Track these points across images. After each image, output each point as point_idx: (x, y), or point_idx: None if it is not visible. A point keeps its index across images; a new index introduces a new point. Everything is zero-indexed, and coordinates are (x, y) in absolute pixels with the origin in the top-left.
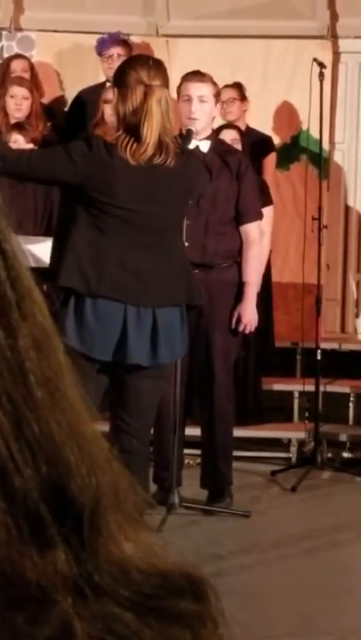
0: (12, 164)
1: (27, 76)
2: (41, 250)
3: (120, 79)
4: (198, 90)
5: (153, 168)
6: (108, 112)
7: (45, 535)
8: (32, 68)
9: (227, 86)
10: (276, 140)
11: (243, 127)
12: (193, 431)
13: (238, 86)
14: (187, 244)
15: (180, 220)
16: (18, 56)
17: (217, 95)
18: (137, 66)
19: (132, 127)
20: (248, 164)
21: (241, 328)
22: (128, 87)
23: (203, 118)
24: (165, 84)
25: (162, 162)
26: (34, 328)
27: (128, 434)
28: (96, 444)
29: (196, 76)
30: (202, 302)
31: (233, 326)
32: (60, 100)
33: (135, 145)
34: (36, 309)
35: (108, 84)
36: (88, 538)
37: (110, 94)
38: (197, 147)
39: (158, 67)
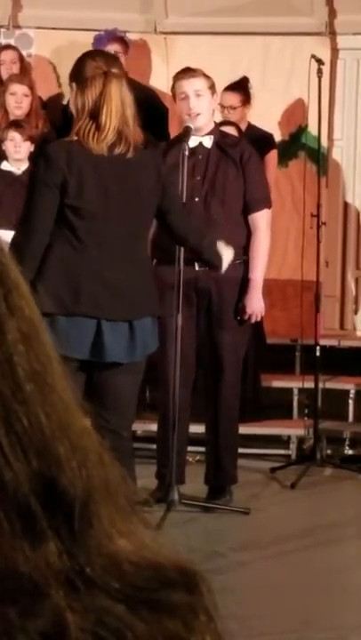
0: (18, 243)
1: (16, 67)
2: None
3: (78, 72)
4: (193, 85)
5: (116, 160)
6: None
7: (37, 528)
8: (21, 59)
9: (229, 90)
10: (275, 137)
11: (244, 125)
12: (195, 428)
13: (242, 88)
14: None
15: (146, 225)
16: (7, 47)
17: (212, 87)
18: (94, 56)
19: (91, 115)
20: (251, 152)
21: (246, 317)
22: (87, 78)
23: (204, 112)
24: (123, 77)
25: (123, 152)
26: (22, 322)
27: (109, 431)
28: (86, 437)
29: (187, 72)
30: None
31: (240, 317)
32: (58, 96)
33: (96, 132)
34: (24, 303)
35: None
36: (79, 531)
37: None
38: (201, 143)
39: (115, 59)
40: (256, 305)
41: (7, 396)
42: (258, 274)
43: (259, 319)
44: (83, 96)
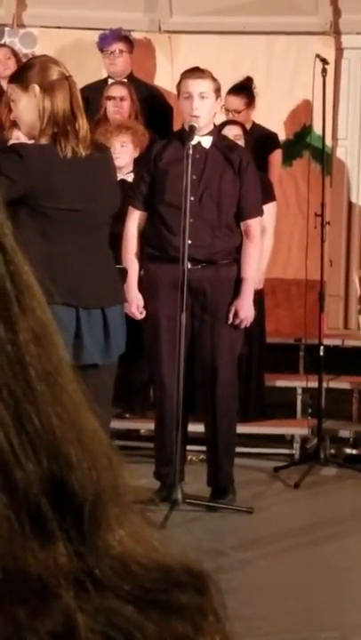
0: None
1: (12, 62)
2: None
3: (42, 76)
4: (198, 86)
5: (86, 160)
6: (111, 109)
7: (46, 529)
8: (15, 54)
9: (233, 93)
10: (279, 137)
11: (248, 125)
12: (195, 427)
13: (246, 90)
14: (190, 241)
15: (110, 214)
16: None
17: (217, 91)
18: (51, 61)
19: (65, 120)
20: (249, 160)
21: (237, 322)
22: (53, 81)
23: (205, 115)
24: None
25: (90, 154)
26: (33, 322)
27: None
28: (96, 438)
29: (195, 72)
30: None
31: (230, 321)
32: None
33: (75, 135)
34: (36, 304)
35: (110, 81)
36: (88, 532)
37: (116, 91)
38: (199, 142)
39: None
40: (248, 311)
41: (19, 396)
42: (250, 281)
43: (248, 325)
44: (52, 99)
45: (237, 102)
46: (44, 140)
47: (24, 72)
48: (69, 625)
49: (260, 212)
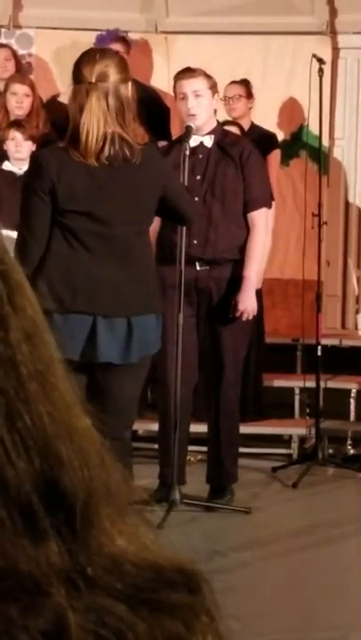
0: (18, 247)
1: (11, 64)
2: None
3: (73, 76)
4: (191, 85)
5: (111, 161)
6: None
7: (38, 527)
8: (15, 55)
9: (233, 82)
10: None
11: (247, 124)
12: (197, 428)
13: (245, 83)
14: (195, 241)
15: (146, 221)
16: None
17: (213, 88)
18: (83, 62)
19: (74, 126)
20: (251, 151)
21: (237, 315)
22: (76, 86)
23: (202, 113)
24: (123, 77)
25: (116, 154)
26: (25, 321)
27: (107, 432)
28: (88, 437)
29: (186, 72)
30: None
31: (231, 315)
32: (58, 97)
33: (78, 143)
34: (27, 303)
35: None
36: (80, 530)
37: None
38: (201, 143)
39: (119, 59)
40: (248, 303)
41: (10, 395)
42: (252, 272)
43: (250, 318)
44: (74, 103)
45: (237, 89)
46: (60, 144)
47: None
48: (60, 623)
49: (264, 204)
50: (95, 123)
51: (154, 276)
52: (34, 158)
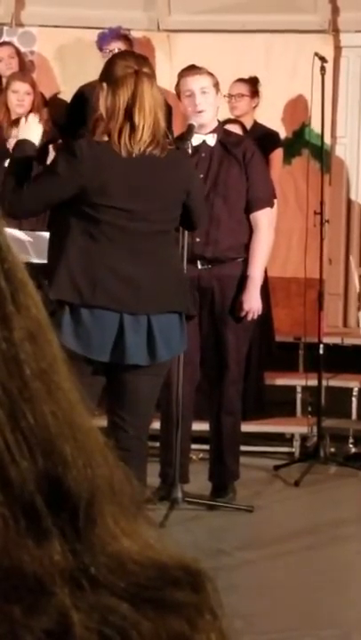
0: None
1: (15, 62)
2: (44, 243)
3: (108, 72)
4: (198, 82)
5: (146, 160)
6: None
7: (41, 527)
8: (18, 53)
9: (239, 80)
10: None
11: (250, 123)
12: (199, 426)
13: (251, 81)
14: (198, 239)
15: (174, 220)
16: (2, 43)
17: (216, 86)
18: (125, 56)
19: (125, 115)
20: (254, 151)
21: (243, 315)
22: (118, 78)
23: (209, 109)
24: (154, 77)
25: (154, 151)
26: (28, 320)
27: (125, 431)
28: (91, 436)
29: (192, 69)
30: (195, 313)
31: (237, 314)
32: (60, 95)
33: (132, 132)
34: (30, 302)
35: None
36: (84, 530)
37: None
38: (204, 141)
39: (145, 59)
40: (254, 303)
41: (14, 394)
42: (256, 272)
43: (255, 317)
44: (114, 96)
45: (241, 87)
46: (104, 137)
47: (102, 70)
48: (64, 623)
49: (267, 204)
50: (148, 109)
51: (179, 276)
52: (70, 147)
